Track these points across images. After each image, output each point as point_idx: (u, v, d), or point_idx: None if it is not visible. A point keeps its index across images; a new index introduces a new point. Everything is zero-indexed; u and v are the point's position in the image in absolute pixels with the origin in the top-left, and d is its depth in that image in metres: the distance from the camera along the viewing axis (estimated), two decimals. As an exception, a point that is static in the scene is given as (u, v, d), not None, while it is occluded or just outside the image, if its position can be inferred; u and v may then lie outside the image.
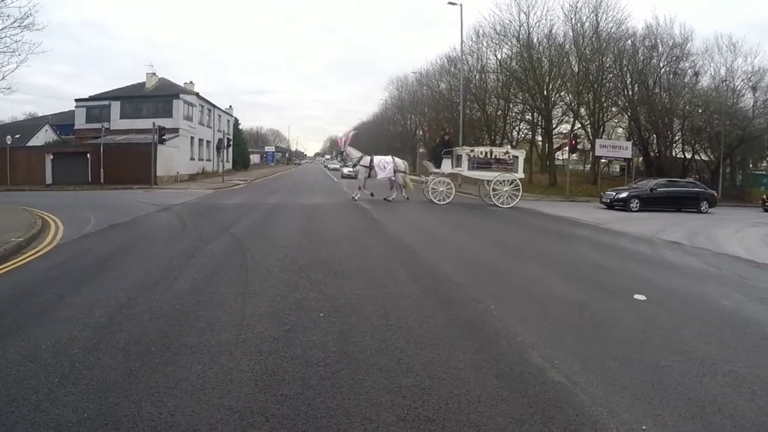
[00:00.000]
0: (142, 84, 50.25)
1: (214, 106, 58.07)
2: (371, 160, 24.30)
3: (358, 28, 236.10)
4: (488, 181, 24.34)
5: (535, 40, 44.73)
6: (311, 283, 7.76)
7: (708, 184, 44.46)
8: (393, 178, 24.42)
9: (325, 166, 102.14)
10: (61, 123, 53.38)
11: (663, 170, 44.59)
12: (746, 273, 10.87)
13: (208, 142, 54.90)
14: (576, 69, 44.03)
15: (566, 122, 47.70)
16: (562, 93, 45.70)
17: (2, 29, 20.90)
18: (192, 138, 49.31)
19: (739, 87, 44.82)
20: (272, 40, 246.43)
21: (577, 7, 43.55)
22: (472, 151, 24.58)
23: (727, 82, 44.45)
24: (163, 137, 37.01)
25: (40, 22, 24.98)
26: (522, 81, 44.59)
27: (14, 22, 20.91)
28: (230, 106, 68.02)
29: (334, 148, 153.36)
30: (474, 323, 6.12)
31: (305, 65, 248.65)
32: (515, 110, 50.23)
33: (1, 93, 24.80)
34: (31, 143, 46.60)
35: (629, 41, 44.38)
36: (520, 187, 24.31)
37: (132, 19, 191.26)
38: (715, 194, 30.62)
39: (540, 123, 46.85)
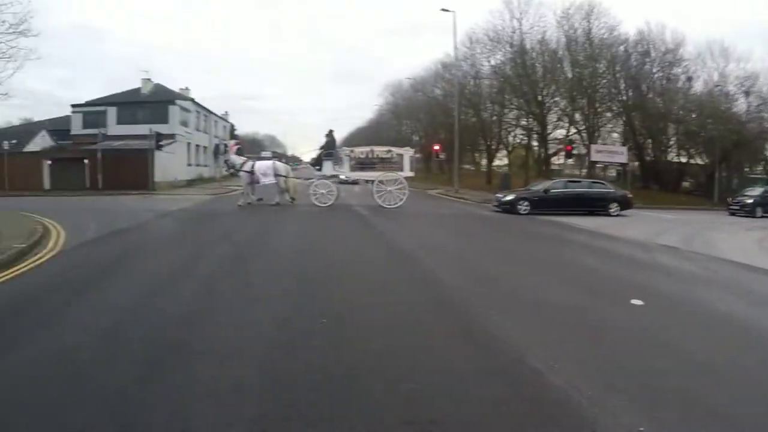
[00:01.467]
0: (138, 89, 50.23)
1: (210, 112, 58.09)
2: (253, 166, 23.79)
3: (350, 36, 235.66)
4: (371, 181, 23.74)
5: (528, 46, 44.94)
6: (314, 289, 7.85)
7: (704, 188, 44.69)
8: (276, 182, 23.88)
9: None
10: (58, 128, 53.17)
11: (658, 174, 44.83)
12: (740, 277, 11.03)
13: (204, 147, 54.83)
14: (569, 75, 44.22)
15: (561, 127, 47.78)
16: (556, 98, 45.79)
17: None
18: (189, 144, 49.22)
19: (732, 92, 45.13)
20: (264, 46, 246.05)
21: (569, 14, 43.82)
22: (352, 151, 24.27)
23: (720, 87, 44.73)
24: (160, 143, 36.98)
25: (36, 28, 24.92)
26: (516, 87, 44.74)
27: (9, 27, 20.83)
28: (226, 112, 68.02)
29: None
30: (473, 328, 6.22)
31: (298, 73, 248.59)
32: (510, 116, 50.26)
33: (-3, 99, 24.62)
34: (28, 149, 46.44)
35: (622, 47, 44.63)
36: (406, 185, 23.57)
37: (125, 24, 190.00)
38: (628, 195, 28.26)
39: (535, 128, 46.93)
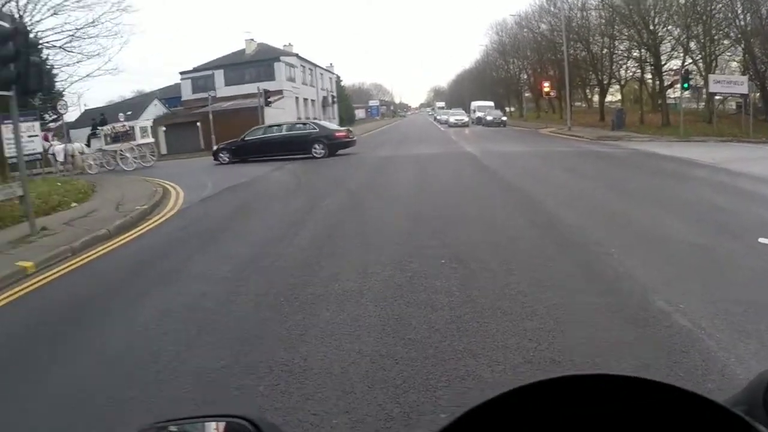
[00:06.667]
0: (242, 51, 51.59)
1: (315, 65, 58.77)
2: (52, 148, 26.90)
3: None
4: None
5: (637, -30, 42.43)
6: (430, 231, 7.94)
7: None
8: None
9: (435, 118, 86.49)
10: (168, 96, 55.40)
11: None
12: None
13: (312, 100, 55.87)
14: (682, 0, 41.58)
15: (676, 58, 45.16)
16: (669, 27, 43.01)
17: (102, 14, 22.07)
18: (296, 98, 50.24)
19: None
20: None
21: (680, -70, 40.70)
22: (101, 129, 27.98)
23: None
24: (269, 99, 37.80)
25: (136, 5, 26.59)
26: (626, 16, 42.41)
27: (112, 6, 22.04)
28: (331, 64, 68.66)
29: (438, 97, 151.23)
30: (595, 266, 6.13)
31: (399, 21, 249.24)
32: (621, 48, 47.85)
33: (109, 74, 27.23)
34: (142, 118, 48.64)
35: (738, -36, 41.34)
36: (137, 152, 27.55)
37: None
38: (336, 134, 26.07)
39: (648, 60, 44.68)
